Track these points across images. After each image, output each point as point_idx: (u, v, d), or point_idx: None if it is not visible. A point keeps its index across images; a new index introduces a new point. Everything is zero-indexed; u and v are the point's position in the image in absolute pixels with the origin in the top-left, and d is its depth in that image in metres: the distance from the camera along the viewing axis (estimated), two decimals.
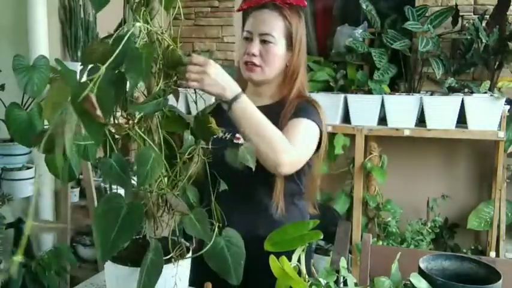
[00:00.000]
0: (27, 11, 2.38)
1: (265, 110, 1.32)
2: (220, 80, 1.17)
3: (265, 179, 1.34)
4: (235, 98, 1.20)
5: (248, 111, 1.22)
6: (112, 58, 0.82)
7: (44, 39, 2.43)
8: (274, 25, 1.40)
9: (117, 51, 0.83)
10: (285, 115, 1.37)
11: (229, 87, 1.19)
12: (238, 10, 1.53)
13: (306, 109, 1.39)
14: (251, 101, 1.26)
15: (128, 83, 0.89)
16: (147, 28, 0.95)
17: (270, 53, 1.40)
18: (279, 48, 1.40)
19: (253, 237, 1.20)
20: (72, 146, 0.82)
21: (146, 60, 0.88)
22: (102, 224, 0.87)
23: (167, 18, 1.01)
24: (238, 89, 1.21)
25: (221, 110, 1.30)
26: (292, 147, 1.25)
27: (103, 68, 0.80)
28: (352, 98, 2.78)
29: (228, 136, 1.42)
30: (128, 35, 0.88)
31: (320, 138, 1.39)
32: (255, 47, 1.40)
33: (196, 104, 1.12)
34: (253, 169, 1.05)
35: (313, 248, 2.84)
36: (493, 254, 2.65)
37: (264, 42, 1.40)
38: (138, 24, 0.93)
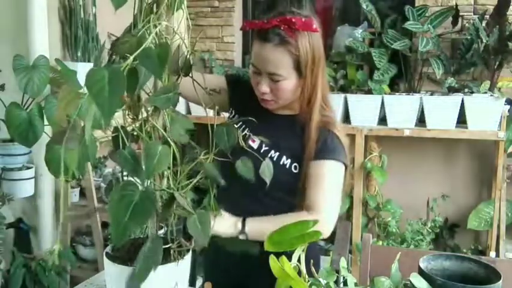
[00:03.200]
0: (27, 11, 2.38)
1: (287, 119, 1.39)
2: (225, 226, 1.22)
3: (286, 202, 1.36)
4: (241, 232, 1.24)
5: (255, 235, 1.22)
6: (139, 51, 0.88)
7: (44, 39, 2.43)
8: (281, 63, 1.28)
9: (144, 45, 0.89)
10: (310, 148, 1.33)
11: (232, 226, 1.23)
12: (241, 29, 1.43)
13: (332, 145, 1.35)
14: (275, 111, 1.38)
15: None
16: (162, 29, 0.97)
17: (281, 90, 1.32)
18: (289, 82, 1.31)
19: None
20: (91, 135, 0.88)
21: (159, 58, 0.90)
22: (115, 209, 0.90)
23: (176, 19, 1.02)
24: (236, 226, 1.24)
25: (249, 104, 1.36)
26: (320, 212, 1.27)
27: (131, 58, 0.87)
28: (352, 98, 2.78)
29: (247, 133, 1.40)
30: (154, 32, 0.93)
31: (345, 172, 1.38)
32: (265, 85, 1.32)
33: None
34: (268, 184, 1.12)
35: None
36: (493, 254, 2.65)
37: (273, 79, 1.31)
38: (164, 23, 0.97)
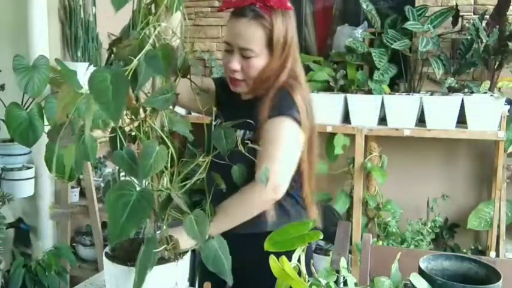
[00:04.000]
0: (27, 11, 2.38)
1: (249, 103, 1.36)
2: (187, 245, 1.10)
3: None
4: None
5: (216, 229, 1.15)
6: (142, 53, 0.89)
7: (44, 39, 2.43)
8: (254, 38, 1.30)
9: (146, 47, 0.90)
10: (262, 110, 1.30)
11: (190, 242, 1.08)
12: (219, 11, 1.44)
13: (281, 101, 1.31)
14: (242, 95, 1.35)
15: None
16: (160, 30, 0.97)
17: (252, 67, 1.32)
18: (260, 60, 1.32)
19: (248, 239, 1.21)
20: (90, 132, 0.88)
21: (164, 58, 0.91)
22: (112, 209, 0.90)
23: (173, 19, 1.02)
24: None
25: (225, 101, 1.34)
26: (261, 183, 1.16)
27: (135, 61, 0.88)
28: (352, 98, 2.77)
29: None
30: (155, 33, 0.93)
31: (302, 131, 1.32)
32: (236, 62, 1.33)
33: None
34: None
35: (313, 248, 2.85)
36: (493, 254, 2.65)
37: (244, 56, 1.32)
38: (163, 24, 0.97)
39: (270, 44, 1.31)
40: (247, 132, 1.34)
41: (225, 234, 1.15)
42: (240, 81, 1.36)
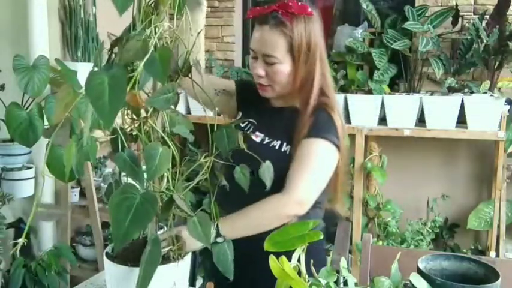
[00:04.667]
0: (27, 11, 2.38)
1: (288, 111, 1.41)
2: (194, 246, 1.10)
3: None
4: (216, 242, 1.14)
5: (233, 234, 1.17)
6: (147, 57, 0.88)
7: (44, 39, 2.43)
8: (276, 45, 1.33)
9: (151, 49, 0.89)
10: (303, 126, 1.34)
11: (197, 243, 1.08)
12: (246, 19, 1.52)
13: (322, 123, 1.35)
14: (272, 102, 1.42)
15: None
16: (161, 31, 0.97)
17: (276, 73, 1.36)
18: (285, 67, 1.35)
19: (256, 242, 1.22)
20: (89, 135, 0.88)
21: (162, 62, 0.90)
22: (116, 213, 0.89)
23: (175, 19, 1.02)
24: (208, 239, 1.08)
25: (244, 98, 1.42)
26: (289, 193, 1.24)
27: (141, 65, 0.88)
28: (352, 98, 2.77)
29: (250, 130, 1.43)
30: (157, 34, 0.93)
31: (338, 151, 1.36)
32: (260, 68, 1.37)
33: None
34: (268, 186, 1.11)
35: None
36: (493, 254, 2.65)
37: (268, 62, 1.36)
38: (166, 24, 0.97)
39: (291, 50, 1.34)
40: (284, 144, 1.39)
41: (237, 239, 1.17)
42: (266, 86, 1.39)
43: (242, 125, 1.43)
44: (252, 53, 1.40)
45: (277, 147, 1.39)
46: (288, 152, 1.37)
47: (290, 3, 1.33)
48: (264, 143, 1.41)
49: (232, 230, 1.19)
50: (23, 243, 0.86)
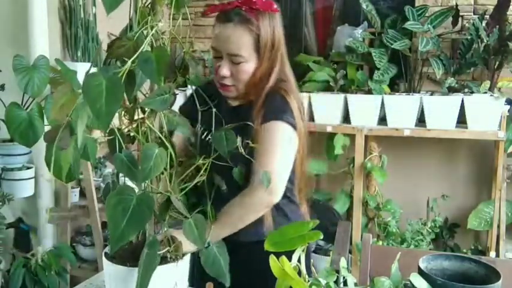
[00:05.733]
0: (27, 11, 2.38)
1: (239, 110, 1.35)
2: (190, 247, 1.09)
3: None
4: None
5: (215, 236, 1.15)
6: (137, 55, 0.88)
7: (44, 39, 2.43)
8: (242, 43, 1.29)
9: (141, 48, 0.89)
10: (256, 115, 1.29)
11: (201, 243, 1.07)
12: (203, 15, 1.45)
13: (275, 105, 1.31)
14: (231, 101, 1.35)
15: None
16: (157, 30, 0.97)
17: (242, 73, 1.31)
18: (250, 65, 1.31)
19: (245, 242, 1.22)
20: (84, 137, 0.87)
21: (157, 62, 0.90)
22: (112, 214, 0.90)
23: (171, 19, 1.02)
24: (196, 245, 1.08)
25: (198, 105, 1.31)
26: (260, 188, 1.19)
27: (129, 63, 0.87)
28: (352, 98, 2.77)
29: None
30: (151, 34, 0.92)
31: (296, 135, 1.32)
32: (225, 69, 1.31)
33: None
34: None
35: (313, 248, 2.85)
36: (493, 254, 2.65)
37: (234, 62, 1.31)
38: (160, 24, 0.97)
39: (258, 47, 1.30)
40: (245, 138, 1.30)
41: (228, 243, 1.16)
42: (230, 86, 1.35)
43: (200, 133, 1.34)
44: (214, 53, 1.34)
45: (239, 144, 1.29)
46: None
47: (255, 0, 1.28)
48: None
49: (217, 236, 1.17)
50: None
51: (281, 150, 1.28)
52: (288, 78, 1.39)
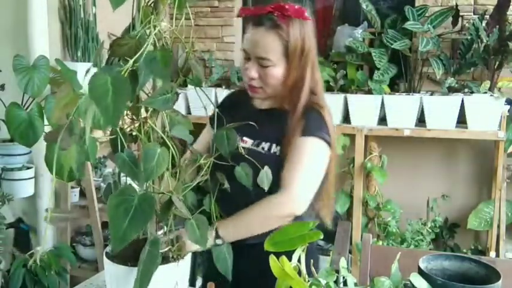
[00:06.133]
0: (27, 11, 2.38)
1: (275, 112, 1.39)
2: (193, 247, 1.11)
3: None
4: (216, 244, 1.17)
5: (231, 236, 1.19)
6: (139, 54, 0.88)
7: (44, 39, 2.43)
8: (271, 48, 1.31)
9: (144, 47, 0.89)
10: (294, 127, 1.33)
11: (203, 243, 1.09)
12: (238, 16, 1.49)
13: (314, 122, 1.35)
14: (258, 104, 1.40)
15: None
16: (159, 30, 0.97)
17: (269, 76, 1.34)
18: (278, 70, 1.34)
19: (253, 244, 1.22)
20: (90, 136, 0.88)
21: (162, 62, 0.91)
22: (114, 214, 0.90)
23: (174, 19, 1.02)
24: (209, 238, 1.13)
25: (236, 112, 1.36)
26: (287, 193, 1.24)
27: (131, 62, 0.87)
28: (352, 98, 2.77)
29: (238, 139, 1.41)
30: (153, 33, 0.92)
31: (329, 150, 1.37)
32: (253, 70, 1.34)
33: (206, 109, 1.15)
34: (266, 190, 1.12)
35: (315, 246, 2.84)
36: (493, 254, 2.65)
37: (262, 65, 1.33)
38: (163, 24, 0.97)
39: (287, 53, 1.32)
40: (274, 146, 1.36)
41: (236, 245, 1.19)
42: (257, 88, 1.37)
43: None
44: (244, 54, 1.37)
45: (266, 149, 1.36)
46: (277, 154, 1.35)
47: (287, 6, 1.30)
48: (252, 146, 1.38)
49: (232, 233, 1.20)
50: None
51: (311, 165, 1.32)
52: (319, 90, 1.42)
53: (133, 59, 0.88)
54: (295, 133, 1.32)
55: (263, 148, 1.36)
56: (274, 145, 1.37)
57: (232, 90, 1.59)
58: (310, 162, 1.32)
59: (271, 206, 1.25)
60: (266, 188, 1.16)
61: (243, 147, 1.33)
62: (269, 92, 1.38)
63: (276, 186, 1.27)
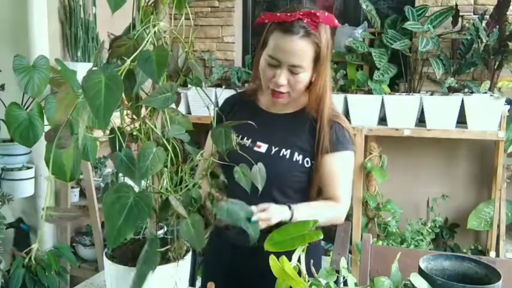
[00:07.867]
0: (27, 11, 2.38)
1: (292, 117, 1.43)
2: (280, 215, 1.26)
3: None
4: (292, 217, 1.29)
5: (305, 215, 1.28)
6: (136, 53, 0.88)
7: (44, 39, 2.43)
8: (305, 56, 1.31)
9: (142, 47, 0.89)
10: (324, 141, 1.40)
11: (285, 213, 1.28)
12: (258, 23, 1.37)
13: (341, 134, 1.43)
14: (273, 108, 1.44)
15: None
16: (158, 30, 0.96)
17: (299, 82, 1.34)
18: (307, 75, 1.35)
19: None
20: (86, 134, 0.88)
21: (157, 62, 0.90)
22: (110, 212, 0.89)
23: (172, 19, 1.02)
24: (290, 210, 1.30)
25: (240, 115, 1.40)
26: (343, 203, 1.42)
27: (128, 61, 0.87)
28: (352, 98, 2.78)
29: (248, 143, 1.42)
30: (151, 33, 0.92)
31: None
32: (283, 78, 1.33)
33: (208, 109, 1.14)
34: (260, 190, 1.12)
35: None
36: (493, 254, 2.65)
37: (293, 72, 1.33)
38: (162, 24, 0.96)
39: (317, 59, 1.34)
40: (296, 154, 1.40)
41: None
42: (284, 93, 1.37)
43: (237, 137, 1.36)
44: (273, 61, 1.33)
45: (288, 157, 1.39)
46: (300, 162, 1.39)
47: (318, 13, 1.31)
48: (272, 153, 1.39)
49: (303, 214, 1.29)
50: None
51: (351, 175, 1.49)
52: (330, 94, 1.46)
53: (130, 59, 0.88)
54: (325, 146, 1.40)
55: (285, 155, 1.39)
56: (296, 153, 1.40)
57: (231, 94, 1.62)
58: (351, 174, 1.48)
59: (336, 213, 1.43)
60: (260, 187, 1.12)
61: (257, 152, 1.38)
62: (294, 97, 1.39)
63: (301, 192, 1.41)
